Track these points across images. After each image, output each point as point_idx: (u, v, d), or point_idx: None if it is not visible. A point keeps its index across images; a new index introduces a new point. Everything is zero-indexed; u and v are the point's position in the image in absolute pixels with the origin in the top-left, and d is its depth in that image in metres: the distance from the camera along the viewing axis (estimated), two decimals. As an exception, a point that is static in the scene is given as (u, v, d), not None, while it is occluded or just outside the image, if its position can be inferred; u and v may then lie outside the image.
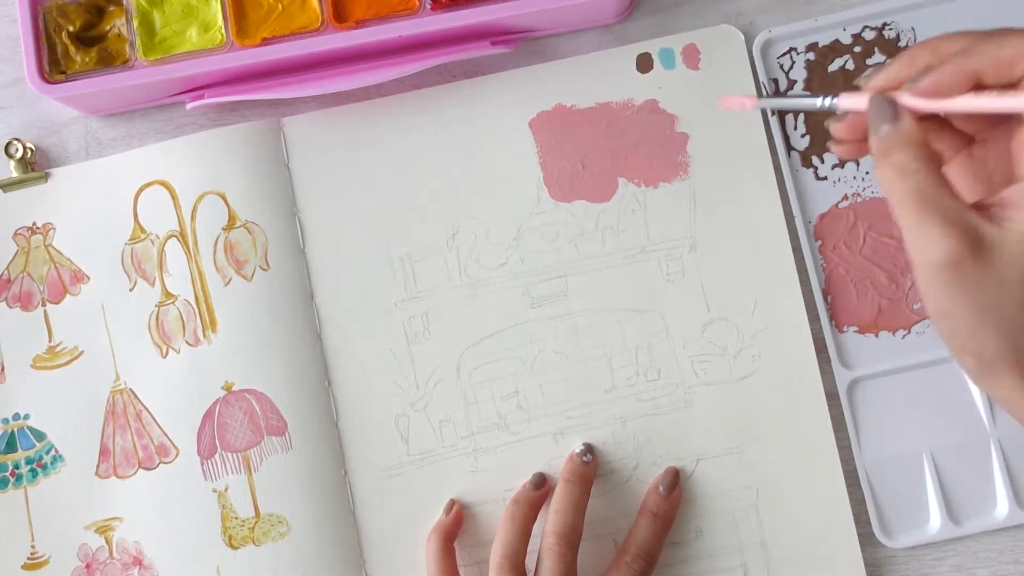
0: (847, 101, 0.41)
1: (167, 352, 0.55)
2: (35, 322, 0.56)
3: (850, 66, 0.56)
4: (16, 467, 0.55)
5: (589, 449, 0.53)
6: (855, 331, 0.54)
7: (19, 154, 0.57)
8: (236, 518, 0.54)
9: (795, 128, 0.56)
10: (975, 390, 0.54)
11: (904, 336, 0.54)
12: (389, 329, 0.55)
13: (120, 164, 0.57)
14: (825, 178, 0.55)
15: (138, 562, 0.54)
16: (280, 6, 0.55)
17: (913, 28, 0.56)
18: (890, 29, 0.56)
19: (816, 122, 0.55)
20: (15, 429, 0.55)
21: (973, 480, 0.53)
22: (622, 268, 0.55)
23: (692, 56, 0.56)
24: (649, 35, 0.57)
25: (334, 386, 0.55)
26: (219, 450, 0.54)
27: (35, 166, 0.57)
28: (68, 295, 0.56)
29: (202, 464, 0.54)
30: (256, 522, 0.54)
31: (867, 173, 0.55)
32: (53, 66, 0.55)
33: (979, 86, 0.38)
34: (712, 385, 0.54)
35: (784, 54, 0.56)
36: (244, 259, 0.55)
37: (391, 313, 0.55)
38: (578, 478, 0.52)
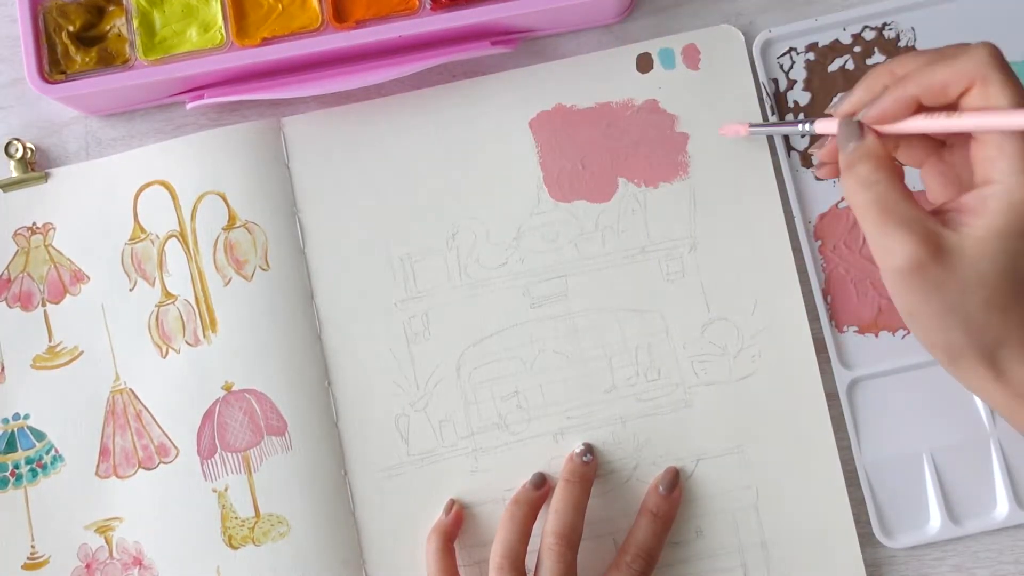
0: (822, 126, 0.47)
1: (167, 352, 0.55)
2: (35, 322, 0.56)
3: (850, 66, 0.56)
4: (16, 467, 0.55)
5: (589, 449, 0.53)
6: (855, 331, 0.54)
7: (19, 154, 0.57)
8: (236, 518, 0.54)
9: (807, 134, 0.56)
10: (975, 390, 0.54)
11: (904, 336, 0.54)
12: (389, 329, 0.55)
13: (120, 164, 0.57)
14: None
15: (138, 562, 0.54)
16: (280, 6, 0.55)
17: (913, 28, 0.56)
18: (890, 29, 0.56)
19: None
20: (15, 429, 0.55)
21: (973, 480, 0.53)
22: (622, 268, 0.55)
23: (692, 56, 0.56)
24: (649, 35, 0.57)
25: (334, 386, 0.55)
26: (219, 450, 0.54)
27: (35, 166, 0.57)
28: (68, 295, 0.56)
29: (202, 464, 0.54)
30: (256, 522, 0.54)
31: (867, 173, 0.55)
32: (53, 66, 0.55)
33: (922, 108, 0.42)
34: (712, 385, 0.54)
35: (784, 54, 0.56)
36: (244, 259, 0.55)
37: (391, 313, 0.55)
38: (578, 478, 0.52)
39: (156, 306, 0.55)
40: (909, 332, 0.54)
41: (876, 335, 0.54)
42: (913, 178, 0.47)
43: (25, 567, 0.54)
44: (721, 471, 0.54)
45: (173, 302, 0.55)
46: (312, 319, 0.55)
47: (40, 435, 0.55)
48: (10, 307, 0.56)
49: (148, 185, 0.56)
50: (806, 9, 0.57)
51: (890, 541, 0.53)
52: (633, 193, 0.56)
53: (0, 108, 0.59)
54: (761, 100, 0.56)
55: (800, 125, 0.49)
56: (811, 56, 0.56)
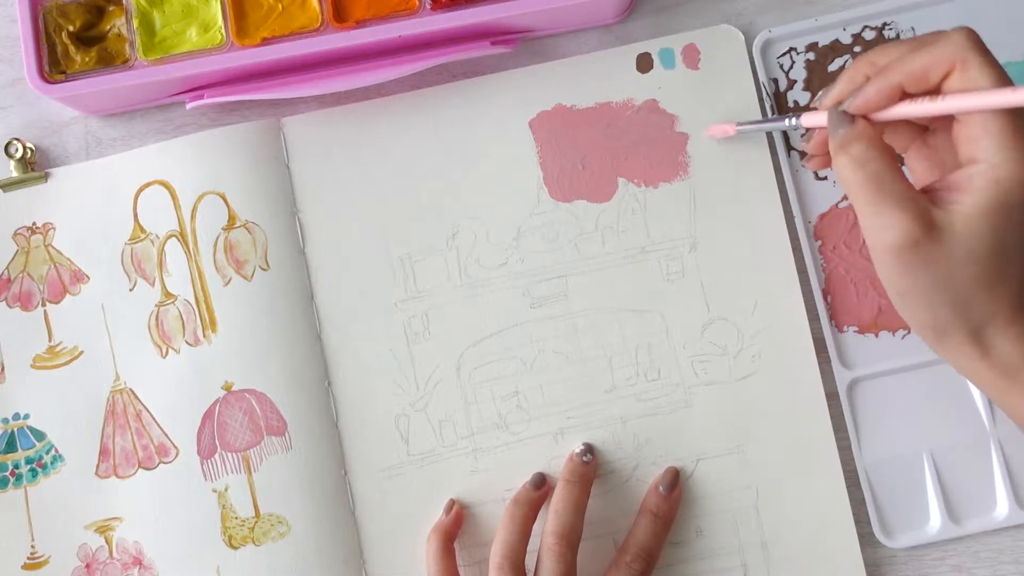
0: (808, 119, 0.48)
1: (167, 352, 0.55)
2: (35, 322, 0.56)
3: (850, 66, 0.56)
4: (16, 467, 0.55)
5: (589, 449, 0.53)
6: (855, 331, 0.54)
7: (19, 154, 0.57)
8: (236, 518, 0.54)
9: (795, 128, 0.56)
10: (975, 390, 0.54)
11: (904, 336, 0.54)
12: (389, 329, 0.55)
13: (120, 164, 0.57)
14: (825, 178, 0.55)
15: (138, 562, 0.54)
16: (280, 6, 0.55)
17: (913, 28, 0.56)
18: (890, 29, 0.56)
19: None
20: (15, 429, 0.55)
21: (973, 480, 0.53)
22: (622, 268, 0.55)
23: (692, 56, 0.56)
24: (649, 35, 0.57)
25: (334, 386, 0.55)
26: (219, 450, 0.54)
27: (35, 166, 0.57)
28: (68, 295, 0.56)
29: (202, 464, 0.54)
30: (256, 522, 0.54)
31: (867, 173, 0.55)
32: (53, 66, 0.55)
33: (905, 96, 0.43)
34: (712, 385, 0.54)
35: (784, 54, 0.56)
36: (244, 259, 0.55)
37: (391, 313, 0.55)
38: (578, 478, 0.52)
39: (156, 306, 0.55)
40: (909, 332, 0.54)
41: (876, 335, 0.54)
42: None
43: (25, 567, 0.54)
44: (721, 471, 0.54)
45: (173, 302, 0.55)
46: (312, 319, 0.55)
47: (40, 435, 0.55)
48: (10, 307, 0.56)
49: (148, 185, 0.56)
50: (806, 9, 0.57)
51: (890, 541, 0.53)
52: (633, 193, 0.55)
53: (0, 108, 0.59)
54: (761, 100, 0.56)
55: (787, 120, 0.50)
56: (811, 56, 0.56)
